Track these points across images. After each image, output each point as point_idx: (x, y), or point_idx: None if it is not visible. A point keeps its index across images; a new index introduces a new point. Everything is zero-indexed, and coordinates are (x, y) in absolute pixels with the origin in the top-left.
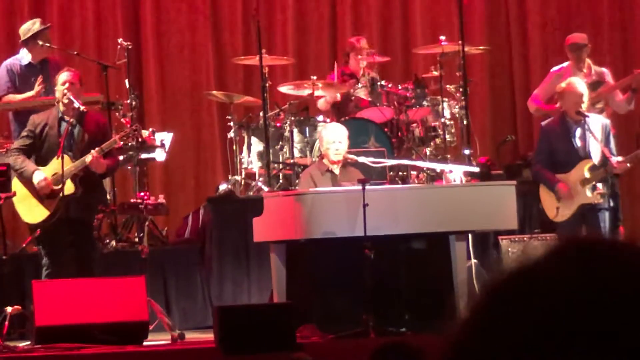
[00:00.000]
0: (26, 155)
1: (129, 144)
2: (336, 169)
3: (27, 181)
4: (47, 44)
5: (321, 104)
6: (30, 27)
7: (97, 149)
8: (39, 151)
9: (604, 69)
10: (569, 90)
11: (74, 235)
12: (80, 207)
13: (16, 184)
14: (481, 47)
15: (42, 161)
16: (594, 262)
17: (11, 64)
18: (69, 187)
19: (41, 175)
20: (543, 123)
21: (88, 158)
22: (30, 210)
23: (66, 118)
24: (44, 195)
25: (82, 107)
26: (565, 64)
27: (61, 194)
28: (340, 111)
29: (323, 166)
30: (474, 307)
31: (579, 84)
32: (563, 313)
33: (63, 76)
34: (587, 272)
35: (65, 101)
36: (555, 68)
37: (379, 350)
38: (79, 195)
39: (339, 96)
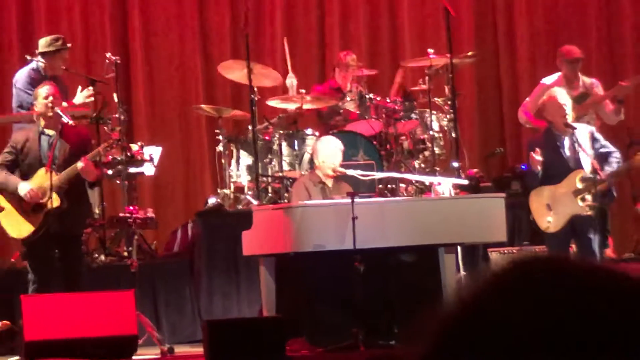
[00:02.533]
0: (9, 171)
1: (118, 157)
2: (329, 182)
3: (11, 196)
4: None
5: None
6: (53, 42)
7: (87, 155)
8: (21, 166)
9: (593, 80)
10: (551, 101)
11: (60, 249)
12: (66, 220)
13: (0, 200)
14: (469, 53)
15: (24, 176)
16: (550, 284)
17: (29, 74)
18: (55, 201)
19: (27, 186)
20: (530, 139)
21: (79, 164)
22: (16, 225)
23: (46, 132)
24: (30, 208)
25: (70, 122)
26: (556, 76)
27: (48, 208)
28: (327, 124)
29: (315, 177)
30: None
31: (560, 94)
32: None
33: (44, 90)
34: (540, 294)
35: (50, 114)
36: (546, 80)
37: None
38: (64, 209)
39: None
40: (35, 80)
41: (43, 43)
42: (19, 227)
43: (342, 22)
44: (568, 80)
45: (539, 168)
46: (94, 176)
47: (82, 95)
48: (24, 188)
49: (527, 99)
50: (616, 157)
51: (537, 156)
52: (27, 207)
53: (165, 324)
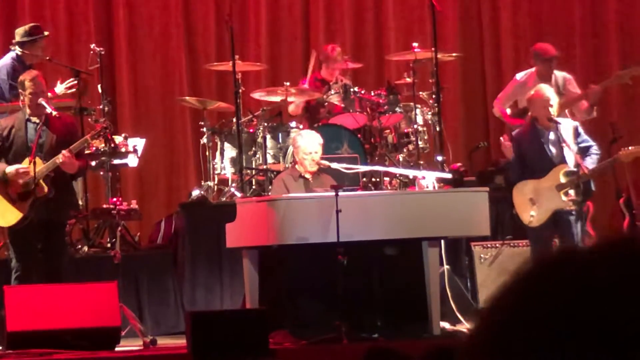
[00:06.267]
0: None
1: (101, 149)
2: (309, 175)
3: None
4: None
5: (292, 108)
6: (29, 31)
7: (68, 149)
8: (7, 155)
9: (566, 75)
10: (537, 97)
11: (45, 237)
12: (52, 208)
13: None
14: (454, 54)
15: (10, 165)
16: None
17: (12, 65)
18: (42, 189)
19: (13, 167)
20: (513, 132)
21: (59, 159)
22: (2, 214)
23: (32, 120)
24: (16, 196)
25: (54, 112)
26: (529, 72)
27: (35, 196)
28: (312, 117)
29: (296, 172)
30: (489, 308)
31: (547, 90)
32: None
33: (30, 81)
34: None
35: (35, 106)
36: (520, 75)
37: (368, 356)
38: (52, 196)
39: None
40: (17, 71)
41: (20, 32)
42: (6, 215)
43: (326, 15)
44: (542, 77)
45: (512, 153)
46: (75, 169)
47: (62, 87)
48: (11, 167)
49: (500, 93)
50: (595, 150)
51: (507, 142)
52: (13, 195)
53: (148, 315)
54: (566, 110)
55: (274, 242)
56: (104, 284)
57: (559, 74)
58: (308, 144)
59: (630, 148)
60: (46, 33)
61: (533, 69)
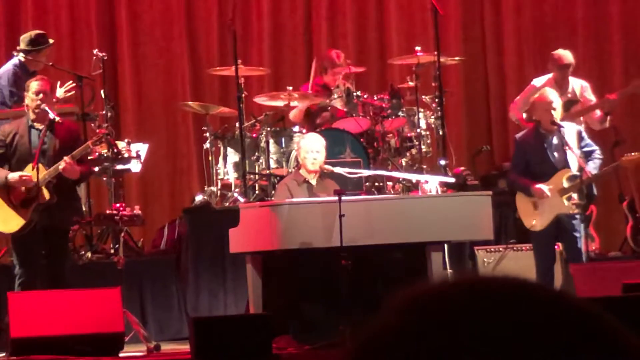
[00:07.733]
0: None
1: (104, 154)
2: (313, 180)
3: (0, 190)
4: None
5: (293, 114)
6: (36, 39)
7: (69, 155)
8: (10, 161)
9: (583, 83)
10: (540, 100)
11: (48, 243)
12: (55, 214)
13: None
14: (457, 58)
15: (14, 170)
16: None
17: (14, 71)
18: (44, 195)
19: (15, 174)
20: (517, 135)
21: (61, 165)
22: (6, 220)
23: (36, 126)
24: (19, 202)
25: (57, 118)
26: (546, 78)
27: (37, 202)
28: (313, 122)
29: (300, 177)
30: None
31: (550, 93)
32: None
33: (35, 85)
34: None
35: (38, 111)
36: (537, 81)
37: None
38: (54, 203)
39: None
40: (19, 77)
41: (25, 40)
42: (8, 221)
43: (329, 19)
44: (558, 84)
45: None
46: (77, 175)
47: (61, 90)
48: (14, 175)
49: (518, 97)
50: (598, 155)
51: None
52: (16, 201)
53: (151, 321)
54: (581, 117)
55: (277, 247)
56: (108, 290)
57: (576, 81)
58: (309, 143)
59: (633, 154)
60: (51, 41)
61: (551, 75)
